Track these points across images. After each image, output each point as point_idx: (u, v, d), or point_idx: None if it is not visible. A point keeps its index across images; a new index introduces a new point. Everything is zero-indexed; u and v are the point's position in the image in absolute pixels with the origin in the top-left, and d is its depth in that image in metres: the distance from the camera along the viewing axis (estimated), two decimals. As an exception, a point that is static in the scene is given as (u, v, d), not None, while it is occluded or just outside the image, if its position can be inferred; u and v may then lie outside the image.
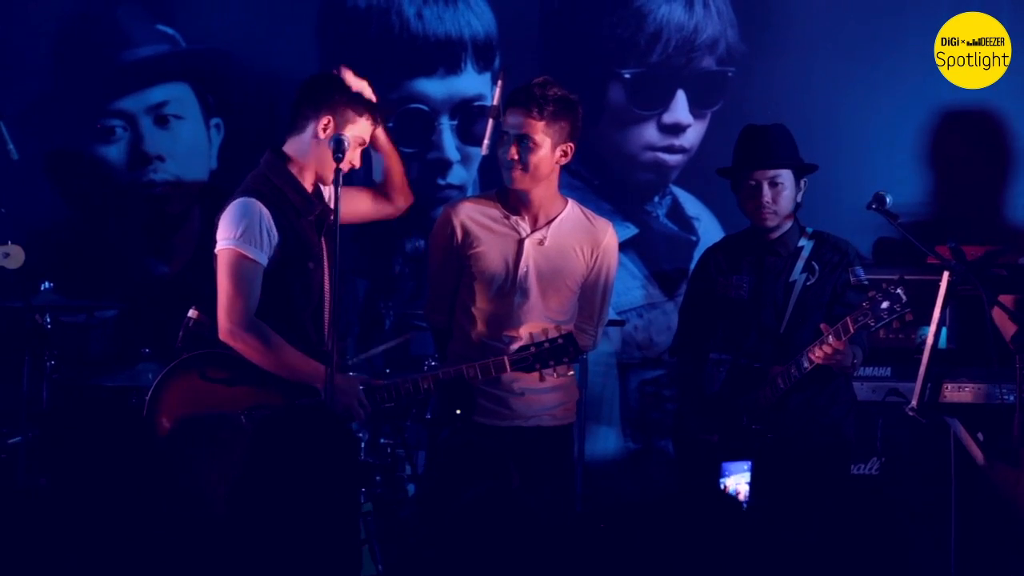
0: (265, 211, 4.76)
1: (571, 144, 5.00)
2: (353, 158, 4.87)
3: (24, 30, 6.96)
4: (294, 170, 4.86)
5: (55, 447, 3.56)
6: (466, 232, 5.03)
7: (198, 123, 7.00)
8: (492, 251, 5.02)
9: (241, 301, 4.70)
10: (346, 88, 4.91)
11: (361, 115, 4.89)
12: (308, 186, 4.88)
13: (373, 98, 4.96)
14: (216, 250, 4.80)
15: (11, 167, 6.27)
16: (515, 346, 4.94)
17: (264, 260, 4.74)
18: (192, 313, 4.92)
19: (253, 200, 4.77)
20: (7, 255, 5.75)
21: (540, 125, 4.92)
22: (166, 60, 6.99)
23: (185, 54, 6.99)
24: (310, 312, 4.83)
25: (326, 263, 4.86)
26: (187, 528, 3.38)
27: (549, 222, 5.05)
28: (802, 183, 5.26)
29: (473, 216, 5.05)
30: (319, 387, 4.67)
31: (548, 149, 4.95)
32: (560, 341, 4.80)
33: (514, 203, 5.04)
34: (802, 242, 5.26)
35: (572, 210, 5.10)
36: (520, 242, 5.03)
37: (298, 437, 3.35)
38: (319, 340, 4.82)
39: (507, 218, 5.05)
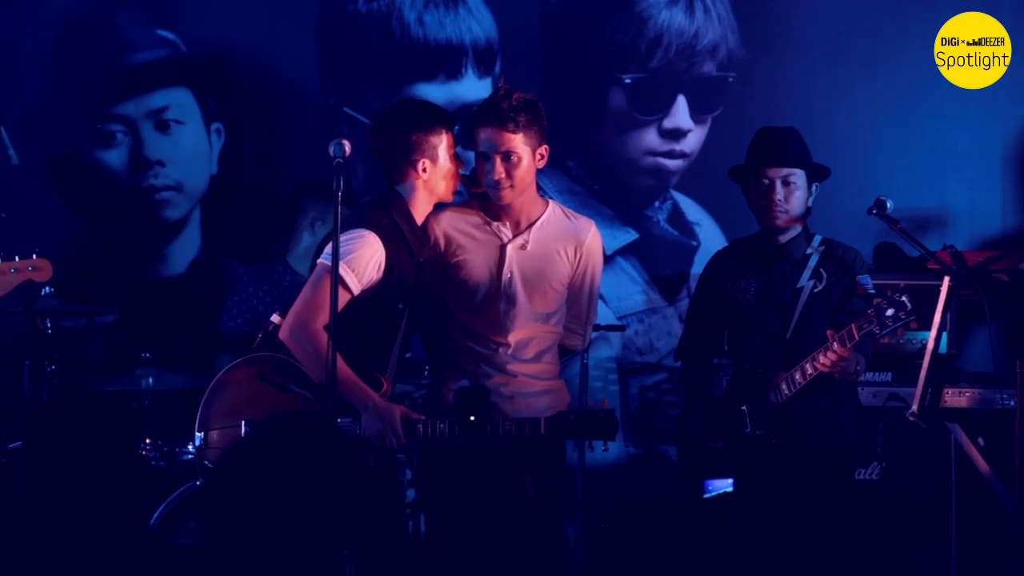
0: (383, 250, 4.81)
1: (545, 146, 4.99)
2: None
3: (25, 35, 6.96)
4: (411, 208, 4.92)
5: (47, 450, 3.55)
6: (448, 241, 5.02)
7: (199, 128, 7.00)
8: (475, 259, 5.00)
9: (315, 309, 4.74)
10: (415, 116, 4.94)
11: (440, 134, 4.92)
12: (420, 221, 4.93)
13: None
14: (318, 260, 4.85)
15: (12, 172, 6.28)
16: (504, 351, 4.98)
17: (356, 291, 4.77)
18: (275, 318, 4.98)
19: (376, 236, 4.81)
20: (35, 268, 5.75)
21: (518, 138, 4.90)
22: (167, 65, 6.99)
23: (186, 59, 6.99)
24: (378, 345, 4.88)
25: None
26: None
27: (530, 225, 5.03)
28: (813, 188, 5.24)
29: (454, 224, 5.03)
30: (360, 409, 4.73)
31: (529, 158, 4.93)
32: (601, 416, 4.81)
33: (495, 209, 5.02)
34: (810, 248, 5.24)
35: (553, 211, 5.08)
36: (502, 248, 5.01)
37: (289, 442, 3.36)
38: (378, 371, 4.85)
39: (488, 224, 5.03)
